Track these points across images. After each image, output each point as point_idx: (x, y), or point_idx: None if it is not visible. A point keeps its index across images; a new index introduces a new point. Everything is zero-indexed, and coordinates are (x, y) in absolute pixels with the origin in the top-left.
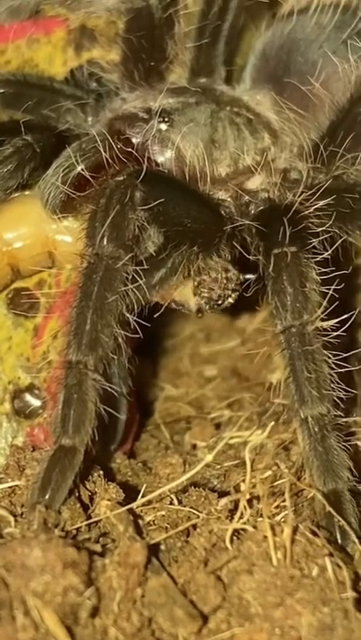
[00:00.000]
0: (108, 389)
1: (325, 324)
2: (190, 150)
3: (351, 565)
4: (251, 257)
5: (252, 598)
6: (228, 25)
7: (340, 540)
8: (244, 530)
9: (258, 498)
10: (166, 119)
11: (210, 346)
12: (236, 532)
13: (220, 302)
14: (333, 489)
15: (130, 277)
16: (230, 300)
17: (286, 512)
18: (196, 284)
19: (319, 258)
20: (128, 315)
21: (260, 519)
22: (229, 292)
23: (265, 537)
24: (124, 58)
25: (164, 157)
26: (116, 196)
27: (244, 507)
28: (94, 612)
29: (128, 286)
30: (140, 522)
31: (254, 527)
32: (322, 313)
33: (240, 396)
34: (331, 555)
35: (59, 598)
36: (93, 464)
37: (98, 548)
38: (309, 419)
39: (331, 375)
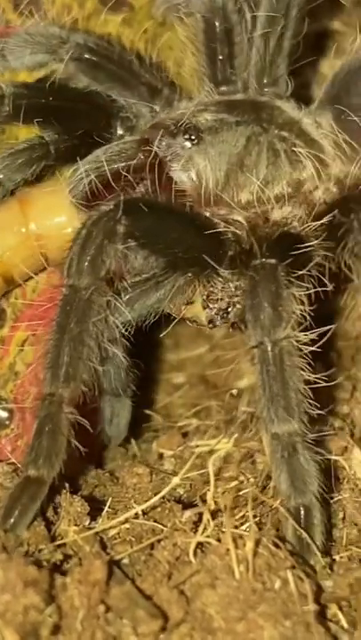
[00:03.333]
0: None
1: (303, 339)
2: (210, 173)
3: (313, 578)
4: None
5: (215, 612)
6: (290, 34)
7: (304, 555)
8: (208, 543)
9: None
10: (193, 137)
11: (178, 353)
12: (200, 544)
13: (229, 310)
14: (301, 503)
15: (110, 306)
16: (239, 306)
17: (250, 524)
18: (204, 297)
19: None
20: (109, 344)
21: (224, 531)
22: (238, 299)
23: (228, 550)
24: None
25: (181, 176)
26: (97, 229)
27: (208, 520)
28: (56, 631)
29: (107, 317)
30: (105, 536)
31: (218, 540)
32: (300, 329)
33: (208, 404)
34: (293, 567)
35: (19, 617)
36: (60, 476)
37: (60, 566)
38: (278, 435)
39: (304, 391)
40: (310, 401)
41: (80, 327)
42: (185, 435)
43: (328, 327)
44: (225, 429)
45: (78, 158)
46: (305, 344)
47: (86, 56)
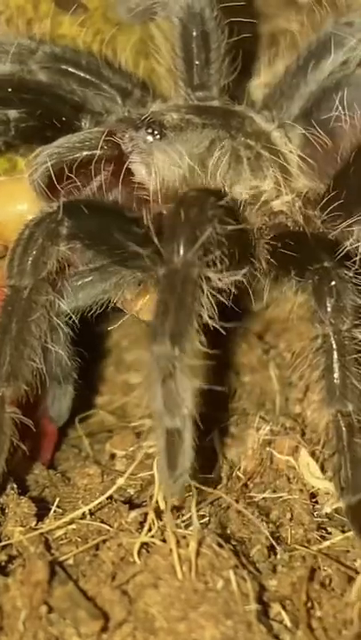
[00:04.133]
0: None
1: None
2: (168, 170)
3: (257, 577)
4: None
5: (157, 612)
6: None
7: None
8: (153, 543)
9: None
10: (156, 132)
11: (134, 353)
12: (146, 544)
13: None
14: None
15: (52, 305)
16: None
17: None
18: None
19: None
20: (52, 344)
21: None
22: None
23: (171, 550)
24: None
25: (140, 170)
26: (39, 230)
27: (152, 520)
28: None
29: (49, 315)
30: (50, 537)
31: (163, 540)
32: None
33: None
34: (236, 567)
35: None
36: (8, 476)
37: (4, 567)
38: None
39: None
40: None
41: (21, 326)
42: (139, 435)
43: None
44: None
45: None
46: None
47: (56, 64)
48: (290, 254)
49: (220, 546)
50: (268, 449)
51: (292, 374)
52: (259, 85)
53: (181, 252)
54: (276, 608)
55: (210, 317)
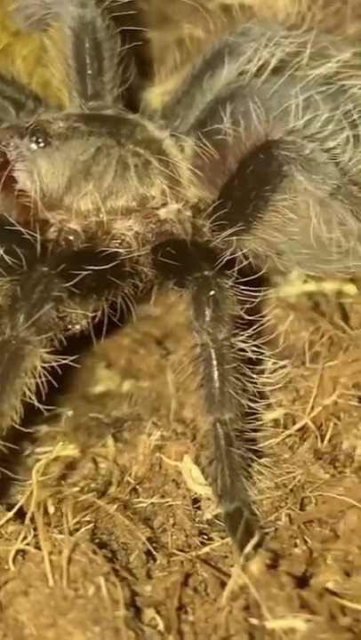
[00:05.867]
0: None
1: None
2: (52, 177)
3: (133, 583)
4: None
5: (27, 619)
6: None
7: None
8: (29, 550)
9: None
10: (40, 139)
11: None
12: (22, 551)
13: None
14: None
15: None
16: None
17: (83, 530)
18: None
19: None
20: None
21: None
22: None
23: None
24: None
25: (24, 178)
26: None
27: (28, 527)
28: None
29: None
30: None
31: (37, 548)
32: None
33: (59, 410)
34: (108, 573)
35: None
36: None
37: None
38: None
39: None
40: None
41: None
42: (34, 441)
43: None
44: (73, 435)
45: None
46: None
47: None
48: (170, 263)
49: (95, 553)
50: (157, 454)
51: (188, 380)
52: (164, 93)
53: (17, 326)
54: (150, 613)
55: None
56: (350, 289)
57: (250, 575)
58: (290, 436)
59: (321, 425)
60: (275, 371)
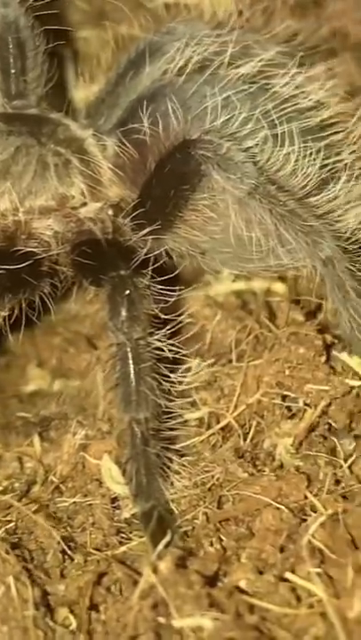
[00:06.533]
0: None
1: None
2: None
3: (46, 582)
4: None
5: None
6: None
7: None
8: None
9: None
10: None
11: None
12: None
13: None
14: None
15: None
16: None
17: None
18: None
19: None
20: None
21: None
22: None
23: None
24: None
25: None
26: None
27: None
28: None
29: None
30: None
31: None
32: None
33: None
34: (20, 573)
35: None
36: None
37: None
38: None
39: None
40: None
41: None
42: None
43: None
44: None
45: None
46: None
47: None
48: (87, 262)
49: (7, 552)
50: (81, 453)
51: None
52: (93, 93)
53: None
54: (63, 612)
55: None
56: (279, 287)
57: (159, 574)
58: (213, 434)
59: (244, 424)
60: (200, 370)
